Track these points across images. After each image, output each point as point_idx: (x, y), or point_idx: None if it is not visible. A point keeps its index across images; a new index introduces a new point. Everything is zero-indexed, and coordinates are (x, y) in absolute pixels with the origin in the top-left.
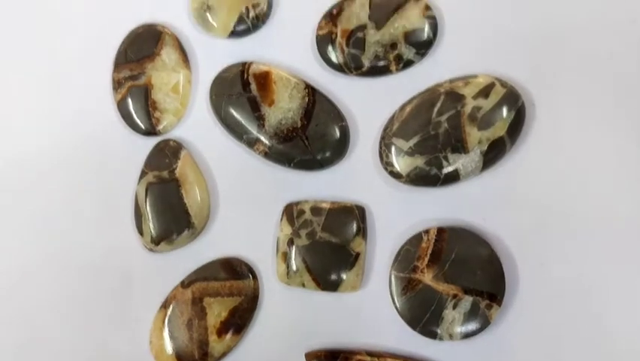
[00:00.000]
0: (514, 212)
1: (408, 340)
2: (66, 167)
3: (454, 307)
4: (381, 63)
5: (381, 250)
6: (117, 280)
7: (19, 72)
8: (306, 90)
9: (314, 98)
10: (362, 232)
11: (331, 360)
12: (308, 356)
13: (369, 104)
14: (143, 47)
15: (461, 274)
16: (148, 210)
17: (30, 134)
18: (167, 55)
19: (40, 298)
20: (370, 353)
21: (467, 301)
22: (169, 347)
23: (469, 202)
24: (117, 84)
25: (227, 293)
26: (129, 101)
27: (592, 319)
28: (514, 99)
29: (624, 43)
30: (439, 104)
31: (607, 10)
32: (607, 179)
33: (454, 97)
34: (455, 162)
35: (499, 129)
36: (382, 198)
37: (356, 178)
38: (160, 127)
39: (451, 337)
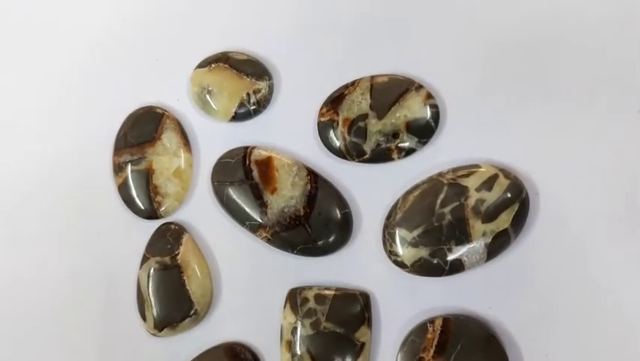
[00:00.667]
0: (520, 301)
1: None
2: (68, 249)
3: None
4: (383, 151)
5: (386, 340)
6: None
7: (17, 157)
8: (309, 177)
9: (316, 185)
10: (367, 320)
11: None
12: None
13: (371, 190)
14: (143, 131)
15: None
16: (150, 296)
17: (30, 218)
18: (168, 139)
19: None
20: None
21: None
22: None
23: (475, 291)
24: (118, 168)
25: None
26: (130, 185)
27: None
28: (518, 190)
29: (627, 129)
30: (442, 196)
31: (609, 95)
32: (613, 269)
33: (457, 189)
34: (459, 253)
35: (503, 222)
36: (387, 285)
37: (360, 264)
38: (161, 210)
39: None
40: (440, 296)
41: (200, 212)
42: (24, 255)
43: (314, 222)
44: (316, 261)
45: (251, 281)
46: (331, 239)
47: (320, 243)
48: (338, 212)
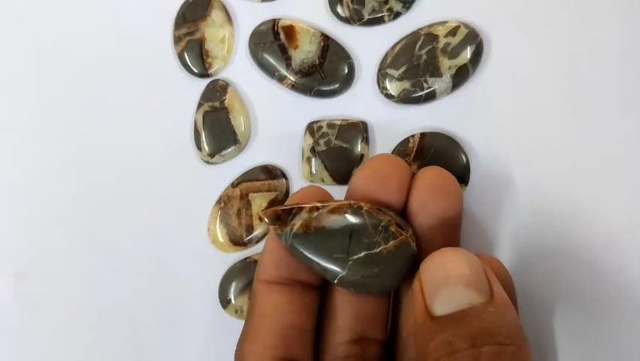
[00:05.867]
0: (476, 121)
1: None
2: (136, 107)
3: None
4: (377, 15)
5: (379, 152)
6: (180, 186)
7: (93, 30)
8: (322, 37)
9: (327, 43)
10: (365, 139)
11: (287, 215)
12: (265, 213)
13: (368, 45)
14: (197, 10)
15: (438, 164)
16: (204, 131)
17: (107, 83)
18: (216, 15)
19: (118, 213)
20: (321, 203)
21: None
22: (223, 232)
23: (443, 114)
24: (177, 39)
25: (266, 190)
26: (186, 53)
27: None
28: (474, 36)
29: None
30: (419, 42)
31: None
32: (550, 90)
33: (430, 37)
34: (432, 85)
35: (463, 59)
36: (380, 114)
37: (360, 102)
38: (211, 70)
39: None
40: (418, 119)
41: (241, 70)
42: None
43: (326, 70)
44: (328, 101)
45: (279, 118)
46: (339, 83)
47: (331, 86)
48: (344, 63)
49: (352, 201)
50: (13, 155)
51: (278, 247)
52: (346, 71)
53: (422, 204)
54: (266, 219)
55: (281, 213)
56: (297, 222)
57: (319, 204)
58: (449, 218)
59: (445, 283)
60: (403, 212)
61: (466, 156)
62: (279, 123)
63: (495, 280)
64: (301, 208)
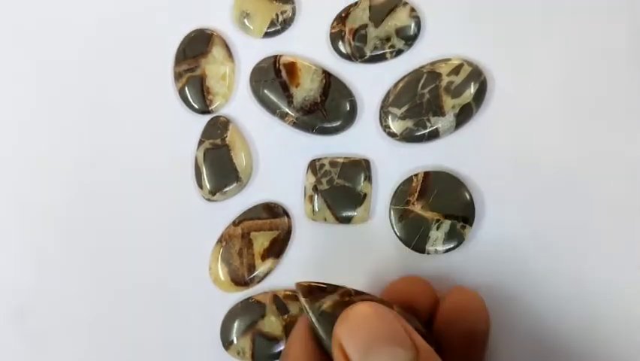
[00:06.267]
0: (481, 159)
1: (403, 256)
2: (137, 143)
3: (438, 228)
4: (379, 52)
5: (382, 191)
6: (181, 224)
7: (99, 64)
8: (323, 75)
9: (329, 80)
10: (368, 177)
11: (320, 291)
12: (299, 285)
13: (370, 83)
14: (197, 46)
15: (442, 204)
16: (205, 169)
17: (107, 118)
18: (217, 52)
19: (119, 249)
20: (356, 291)
21: (447, 224)
22: (224, 272)
23: (447, 153)
24: (178, 75)
25: (268, 228)
26: (187, 89)
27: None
28: (478, 74)
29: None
30: (422, 81)
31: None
32: (554, 128)
33: (433, 75)
34: (435, 124)
35: (466, 97)
36: (382, 152)
37: (363, 139)
38: (212, 107)
39: (436, 252)
40: (422, 157)
41: (242, 106)
42: (104, 140)
43: (328, 108)
44: (330, 138)
45: (280, 155)
46: (341, 120)
47: (333, 124)
48: (346, 100)
49: (386, 300)
50: (16, 194)
51: (306, 337)
52: (348, 108)
53: (448, 324)
54: (299, 292)
55: (314, 288)
56: (327, 302)
57: (353, 290)
58: (475, 338)
59: (369, 347)
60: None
61: (470, 196)
62: (280, 160)
63: (413, 331)
64: (336, 289)
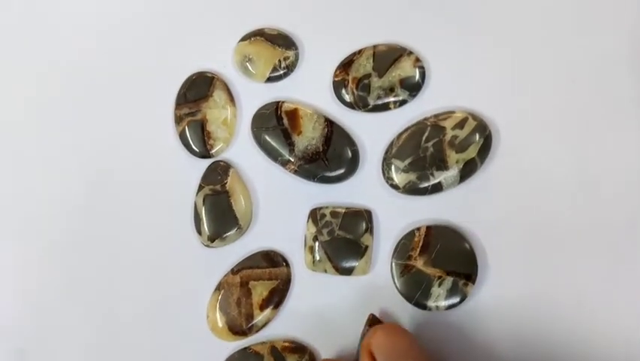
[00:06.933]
0: (484, 213)
1: (405, 312)
2: (136, 185)
3: (440, 285)
4: (383, 102)
5: (384, 244)
6: (180, 270)
7: (97, 108)
8: (326, 123)
9: (332, 129)
10: (370, 229)
11: None
12: None
13: (374, 132)
14: (198, 90)
15: (444, 261)
16: (204, 216)
17: (105, 159)
18: (218, 96)
19: (117, 293)
20: None
21: (449, 280)
22: (222, 320)
23: (450, 207)
24: (178, 119)
25: (267, 278)
26: (188, 132)
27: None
28: (483, 128)
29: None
30: (426, 134)
31: (557, 64)
32: (560, 185)
33: (437, 129)
34: (439, 177)
35: (471, 152)
36: (385, 204)
37: (365, 189)
38: (213, 151)
39: (437, 308)
40: (424, 211)
41: (243, 152)
42: (100, 187)
43: (330, 157)
44: (332, 187)
45: (281, 203)
46: (343, 170)
47: (334, 173)
48: (348, 149)
49: None
50: (19, 232)
51: None
52: (350, 157)
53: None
54: None
55: None
56: None
57: None
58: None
59: None
60: None
61: (473, 252)
62: (281, 207)
63: None
64: None
